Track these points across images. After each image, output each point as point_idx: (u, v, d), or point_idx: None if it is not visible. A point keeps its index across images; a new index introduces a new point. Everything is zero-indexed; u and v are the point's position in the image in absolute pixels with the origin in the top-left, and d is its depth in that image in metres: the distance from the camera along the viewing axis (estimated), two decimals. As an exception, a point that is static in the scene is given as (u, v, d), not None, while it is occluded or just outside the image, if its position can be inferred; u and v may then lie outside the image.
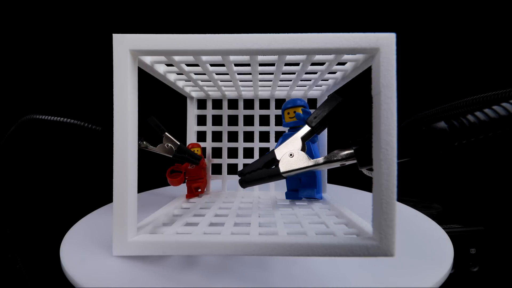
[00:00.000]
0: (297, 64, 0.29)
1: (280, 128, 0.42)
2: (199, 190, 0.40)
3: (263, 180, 0.29)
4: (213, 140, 0.44)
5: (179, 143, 0.36)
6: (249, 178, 0.29)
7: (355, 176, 0.40)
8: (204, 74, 0.32)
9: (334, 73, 0.33)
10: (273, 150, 0.30)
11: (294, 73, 0.32)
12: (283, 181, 0.32)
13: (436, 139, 0.21)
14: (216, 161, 0.44)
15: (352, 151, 0.25)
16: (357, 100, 0.32)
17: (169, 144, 0.35)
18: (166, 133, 0.35)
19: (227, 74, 0.32)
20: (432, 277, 0.21)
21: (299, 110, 0.36)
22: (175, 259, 0.23)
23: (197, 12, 0.67)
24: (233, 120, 0.44)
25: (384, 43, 0.20)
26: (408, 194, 0.68)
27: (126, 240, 0.22)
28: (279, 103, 0.39)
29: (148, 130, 0.35)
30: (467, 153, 0.67)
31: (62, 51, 0.63)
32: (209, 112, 0.44)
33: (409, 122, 0.34)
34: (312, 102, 0.43)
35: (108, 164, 0.21)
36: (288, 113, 0.37)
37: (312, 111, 0.40)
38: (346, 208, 0.30)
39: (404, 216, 0.36)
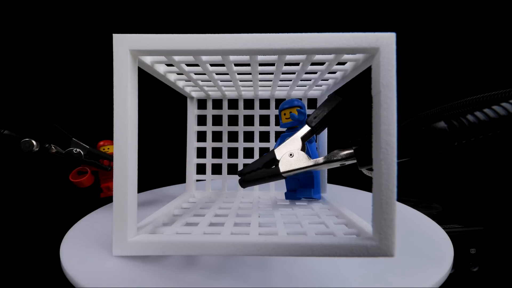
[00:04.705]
0: (297, 64, 0.29)
1: (280, 128, 0.42)
2: (110, 190, 0.39)
3: (263, 180, 0.29)
4: (213, 140, 0.44)
5: (88, 147, 0.37)
6: (249, 178, 0.29)
7: (355, 176, 0.40)
8: (204, 74, 0.32)
9: (334, 73, 0.33)
10: (272, 150, 0.30)
11: (294, 73, 0.32)
12: (283, 181, 0.32)
13: (436, 139, 0.21)
14: (216, 161, 0.44)
15: (352, 151, 0.25)
16: (357, 100, 0.32)
17: (78, 149, 0.36)
18: (73, 138, 0.36)
19: (227, 74, 0.32)
20: (432, 277, 0.21)
21: (295, 111, 0.36)
22: (175, 259, 0.23)
23: (197, 12, 0.67)
24: (233, 120, 0.44)
25: (384, 43, 0.20)
26: (408, 194, 0.68)
27: (126, 240, 0.22)
28: (279, 103, 0.39)
29: (58, 136, 0.36)
30: (467, 153, 0.67)
31: (63, 51, 0.63)
32: (209, 112, 0.44)
33: (409, 122, 0.34)
34: (312, 102, 0.43)
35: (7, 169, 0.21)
36: (285, 114, 0.37)
37: (308, 111, 0.40)
38: (346, 208, 0.30)
39: (404, 216, 0.36)
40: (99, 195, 0.40)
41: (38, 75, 0.62)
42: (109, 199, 0.41)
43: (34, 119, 0.59)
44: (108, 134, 0.41)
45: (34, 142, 0.32)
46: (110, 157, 0.38)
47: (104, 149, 0.39)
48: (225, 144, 0.43)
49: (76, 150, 0.35)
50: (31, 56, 0.61)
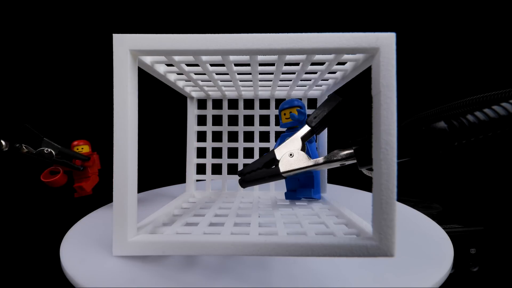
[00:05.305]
0: (297, 64, 0.29)
1: (280, 128, 0.42)
2: (84, 190, 0.39)
3: (263, 180, 0.29)
4: (213, 140, 0.44)
5: (60, 147, 0.36)
6: (249, 178, 0.29)
7: (355, 176, 0.40)
8: (204, 74, 0.32)
9: (334, 73, 0.33)
10: (272, 150, 0.30)
11: (294, 73, 0.32)
12: (283, 181, 0.32)
13: (436, 139, 0.21)
14: (216, 161, 0.44)
15: (352, 151, 0.25)
16: (357, 100, 0.32)
17: (49, 149, 0.36)
18: (44, 138, 0.36)
19: (227, 74, 0.32)
20: (432, 277, 0.21)
21: (295, 111, 0.36)
22: (175, 259, 0.23)
23: (197, 12, 0.67)
24: (233, 120, 0.44)
25: (384, 43, 0.20)
26: (408, 194, 0.68)
27: (126, 240, 0.22)
28: (279, 103, 0.39)
29: (29, 136, 0.36)
30: (467, 153, 0.67)
31: (63, 51, 0.63)
32: (209, 112, 0.44)
33: (409, 122, 0.34)
34: (312, 102, 0.43)
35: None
36: (285, 114, 0.37)
37: (308, 111, 0.40)
38: (346, 208, 0.30)
39: (404, 216, 0.36)
40: (98, 196, 0.40)
41: (37, 76, 0.62)
42: (109, 199, 0.41)
43: (5, 119, 0.59)
44: (83, 134, 0.41)
45: (3, 142, 0.32)
46: (82, 157, 0.38)
47: (78, 149, 0.39)
48: (225, 144, 0.43)
49: (47, 150, 0.35)
50: (30, 56, 0.61)
